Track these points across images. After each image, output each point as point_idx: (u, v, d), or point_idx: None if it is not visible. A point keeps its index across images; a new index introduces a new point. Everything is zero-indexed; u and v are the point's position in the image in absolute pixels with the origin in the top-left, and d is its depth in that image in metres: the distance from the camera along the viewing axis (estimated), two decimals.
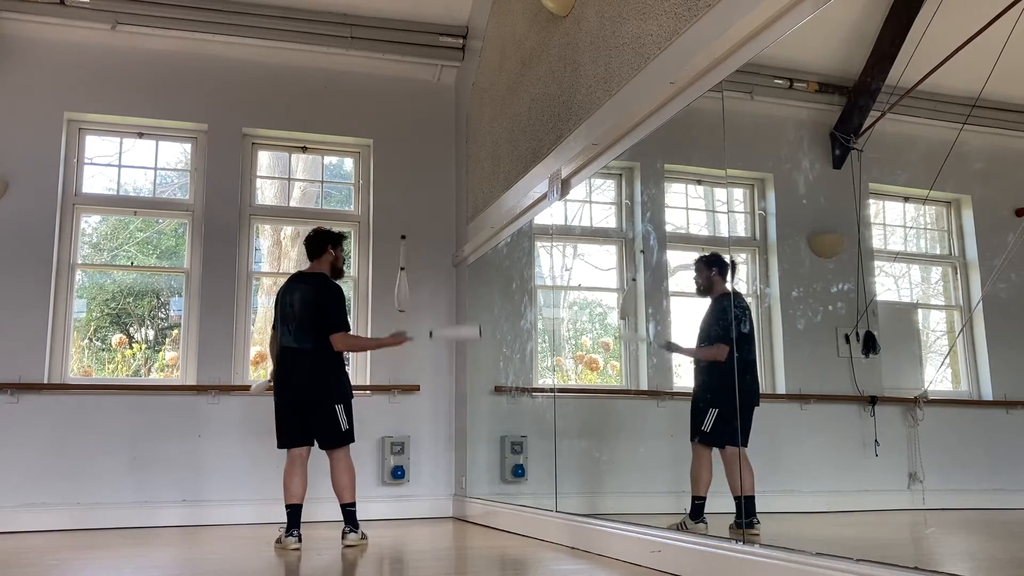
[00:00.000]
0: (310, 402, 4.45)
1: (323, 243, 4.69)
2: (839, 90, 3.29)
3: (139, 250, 6.51)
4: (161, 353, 6.24)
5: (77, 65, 5.91)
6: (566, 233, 4.99)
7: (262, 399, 5.29)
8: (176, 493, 5.59)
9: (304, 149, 6.46)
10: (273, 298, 4.92)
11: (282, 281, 4.88)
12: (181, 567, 3.83)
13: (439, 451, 6.19)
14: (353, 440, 4.51)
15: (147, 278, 6.34)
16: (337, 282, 4.68)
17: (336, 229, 4.85)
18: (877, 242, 3.25)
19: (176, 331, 6.12)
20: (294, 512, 4.36)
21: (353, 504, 4.44)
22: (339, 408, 4.45)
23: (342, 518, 4.46)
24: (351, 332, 4.70)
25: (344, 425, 4.45)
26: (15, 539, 4.86)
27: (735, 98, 3.29)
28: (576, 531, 4.18)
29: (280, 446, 4.50)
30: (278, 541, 4.32)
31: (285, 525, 4.34)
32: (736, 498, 3.29)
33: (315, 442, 4.50)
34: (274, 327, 4.67)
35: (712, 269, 3.70)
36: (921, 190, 3.13)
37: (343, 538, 4.41)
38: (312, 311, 4.48)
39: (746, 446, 3.26)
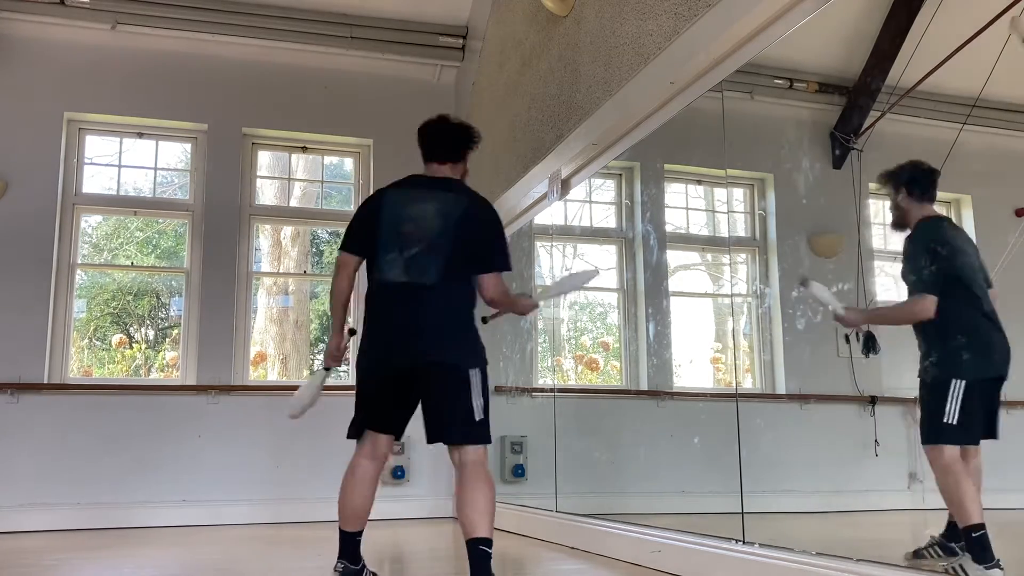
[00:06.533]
0: (429, 363, 2.90)
1: (465, 143, 3.13)
2: (839, 90, 3.29)
3: (139, 250, 6.51)
4: (161, 353, 6.24)
5: (77, 65, 5.90)
6: (566, 233, 4.99)
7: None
8: (176, 493, 5.58)
9: (304, 149, 6.46)
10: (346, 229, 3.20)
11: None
12: (181, 567, 3.82)
13: (439, 451, 6.15)
14: (490, 439, 2.98)
15: (147, 278, 6.35)
16: None
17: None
18: (877, 242, 3.25)
19: (176, 331, 6.12)
20: (346, 541, 3.05)
21: (491, 542, 2.73)
22: (475, 377, 2.90)
23: (471, 569, 2.70)
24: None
25: (479, 413, 2.93)
26: (15, 539, 4.85)
27: (735, 98, 3.30)
28: (576, 531, 4.18)
29: (351, 435, 3.06)
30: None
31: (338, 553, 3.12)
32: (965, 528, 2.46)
33: (400, 435, 3.16)
34: (351, 251, 3.09)
35: (902, 190, 2.72)
36: None
37: None
38: (461, 232, 2.92)
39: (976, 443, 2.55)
